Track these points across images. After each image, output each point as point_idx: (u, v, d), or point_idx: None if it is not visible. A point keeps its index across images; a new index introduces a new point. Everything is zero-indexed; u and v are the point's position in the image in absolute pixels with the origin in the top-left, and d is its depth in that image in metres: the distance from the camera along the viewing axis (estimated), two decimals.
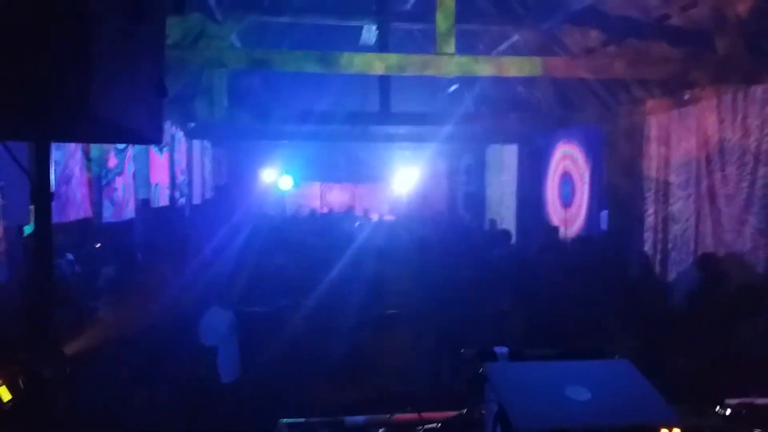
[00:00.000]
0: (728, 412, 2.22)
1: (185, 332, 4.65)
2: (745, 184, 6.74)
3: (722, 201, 7.14)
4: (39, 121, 1.95)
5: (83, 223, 7.50)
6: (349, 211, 17.51)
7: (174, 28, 7.18)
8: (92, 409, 3.06)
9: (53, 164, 2.34)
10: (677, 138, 8.12)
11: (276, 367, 4.52)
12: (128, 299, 4.56)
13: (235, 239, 8.66)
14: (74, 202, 7.10)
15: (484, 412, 1.89)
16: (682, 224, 8.04)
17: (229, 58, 6.22)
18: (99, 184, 7.78)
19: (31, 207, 2.27)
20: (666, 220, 8.41)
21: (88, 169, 7.65)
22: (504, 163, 14.87)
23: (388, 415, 2.22)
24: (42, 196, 2.22)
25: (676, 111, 8.11)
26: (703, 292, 5.79)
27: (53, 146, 2.34)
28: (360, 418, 2.23)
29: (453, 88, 13.91)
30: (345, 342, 4.26)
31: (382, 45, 9.60)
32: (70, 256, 6.19)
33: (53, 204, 2.34)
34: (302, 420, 2.21)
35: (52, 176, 2.31)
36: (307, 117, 10.01)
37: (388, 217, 16.02)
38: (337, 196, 19.84)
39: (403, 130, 12.58)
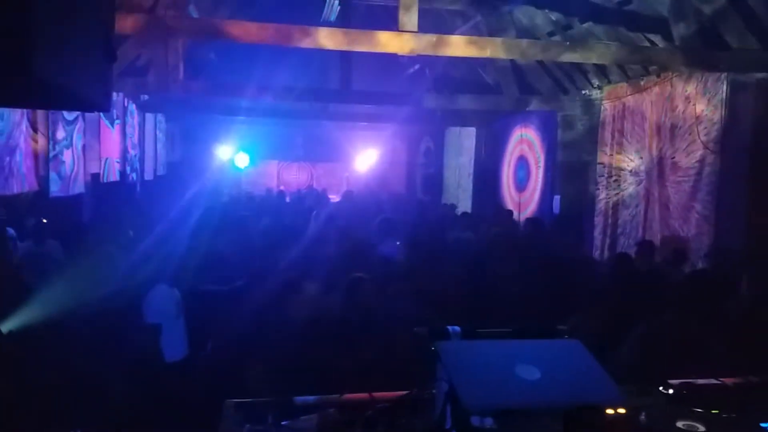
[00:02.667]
0: (671, 392, 2.28)
1: (131, 311, 4.52)
2: (693, 171, 6.93)
3: (671, 187, 7.32)
4: None
5: (28, 197, 7.21)
6: (310, 189, 17.22)
7: None
8: (32, 388, 2.95)
9: None
10: (631, 124, 8.29)
11: (227, 347, 4.44)
12: (73, 276, 4.40)
13: (188, 217, 8.46)
14: (18, 174, 6.81)
15: (434, 391, 1.89)
16: (632, 209, 8.23)
17: (180, 27, 5.96)
18: (46, 157, 7.49)
19: None
20: (617, 205, 8.60)
21: (35, 140, 7.34)
22: (462, 145, 14.94)
23: (338, 395, 2.20)
24: None
25: (631, 97, 8.27)
26: (643, 277, 5.89)
27: None
28: (310, 398, 2.19)
29: (414, 68, 13.85)
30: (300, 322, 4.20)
31: (344, 20, 9.46)
32: (11, 231, 5.93)
33: None
34: (250, 400, 2.17)
35: None
36: (266, 91, 9.81)
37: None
38: (294, 176, 19.62)
39: (362, 109, 12.49)
